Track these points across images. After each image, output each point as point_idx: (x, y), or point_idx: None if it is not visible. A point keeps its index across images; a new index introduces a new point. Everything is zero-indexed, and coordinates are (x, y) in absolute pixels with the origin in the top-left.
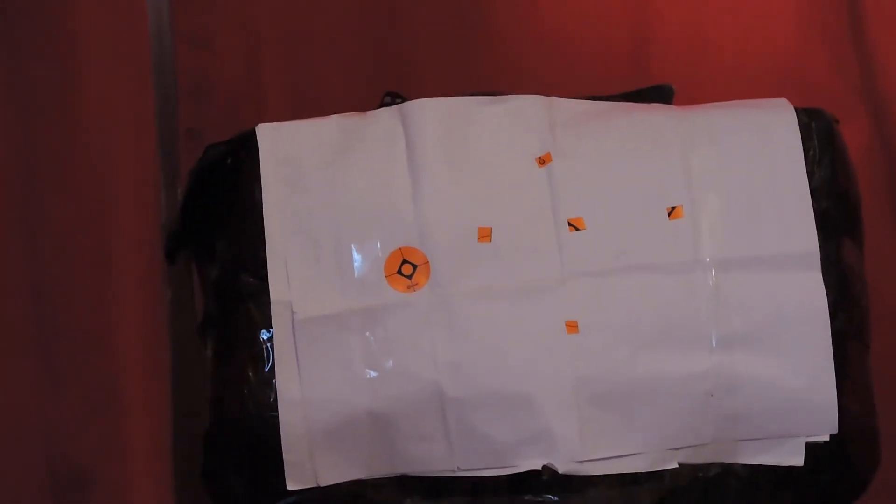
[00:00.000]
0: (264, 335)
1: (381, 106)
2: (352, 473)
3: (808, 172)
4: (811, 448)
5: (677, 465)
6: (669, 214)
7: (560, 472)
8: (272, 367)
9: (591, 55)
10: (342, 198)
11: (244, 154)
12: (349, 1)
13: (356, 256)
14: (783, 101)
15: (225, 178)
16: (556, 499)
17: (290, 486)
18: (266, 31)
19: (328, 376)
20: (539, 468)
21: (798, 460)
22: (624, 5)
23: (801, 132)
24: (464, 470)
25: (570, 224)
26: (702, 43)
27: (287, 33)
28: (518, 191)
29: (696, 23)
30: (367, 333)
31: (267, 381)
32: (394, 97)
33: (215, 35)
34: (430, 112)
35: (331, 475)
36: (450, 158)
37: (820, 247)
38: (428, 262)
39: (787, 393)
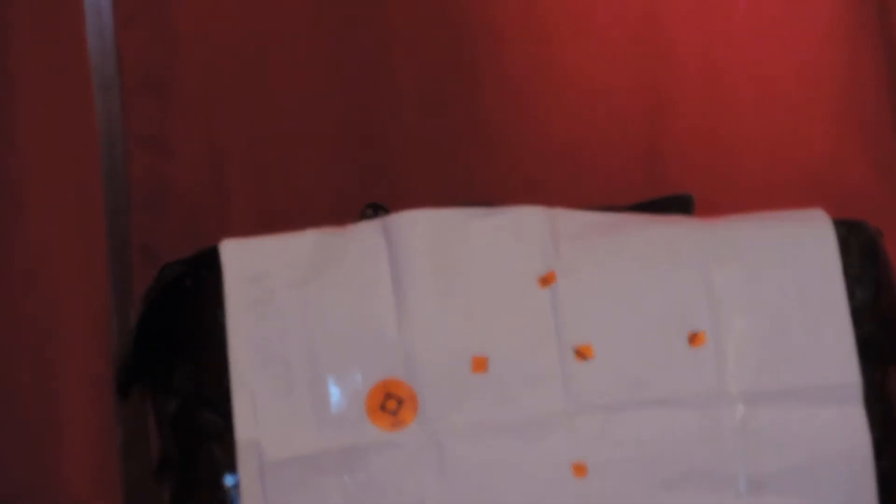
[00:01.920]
0: (229, 480)
1: (361, 219)
2: None
3: (847, 293)
4: None
5: None
6: (690, 341)
7: None
8: None
9: (602, 161)
10: (318, 323)
11: (206, 274)
12: (324, 101)
13: (334, 390)
14: (819, 212)
15: (184, 302)
16: None
17: None
18: (229, 133)
19: None
20: None
21: None
22: (638, 106)
23: (839, 247)
24: None
25: (576, 352)
26: (727, 145)
27: (253, 136)
28: (517, 315)
29: (721, 122)
30: (346, 477)
31: None
32: (376, 209)
33: (172, 138)
34: (417, 226)
35: None
36: (439, 278)
37: (862, 377)
38: (415, 395)
39: None
